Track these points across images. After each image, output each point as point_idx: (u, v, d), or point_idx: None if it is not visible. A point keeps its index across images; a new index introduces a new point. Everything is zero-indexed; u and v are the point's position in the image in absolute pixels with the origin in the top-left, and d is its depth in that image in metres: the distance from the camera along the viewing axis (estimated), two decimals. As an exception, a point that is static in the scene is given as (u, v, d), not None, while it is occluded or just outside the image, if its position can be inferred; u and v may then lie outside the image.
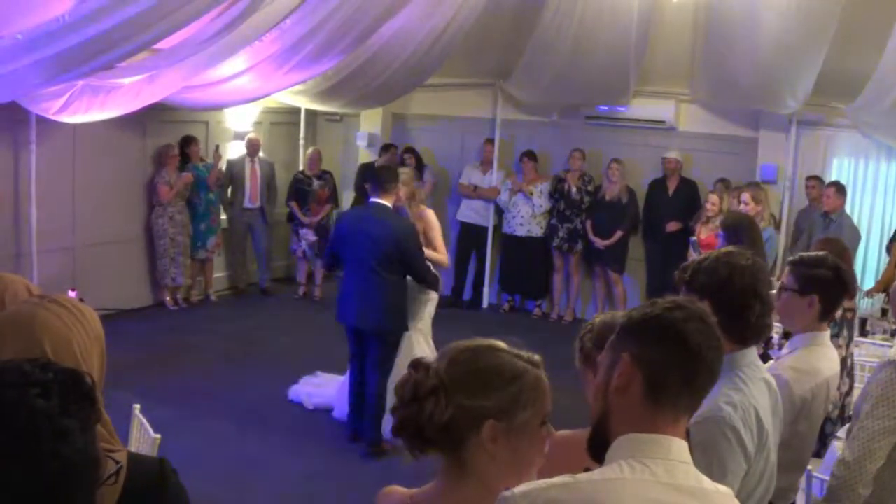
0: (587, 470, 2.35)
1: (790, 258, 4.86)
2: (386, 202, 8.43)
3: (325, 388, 9.78)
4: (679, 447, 2.35)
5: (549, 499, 2.22)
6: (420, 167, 14.45)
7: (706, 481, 2.39)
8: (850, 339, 6.94)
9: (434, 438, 2.49)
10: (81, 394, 1.99)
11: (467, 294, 14.90)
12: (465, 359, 2.58)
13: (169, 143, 12.86)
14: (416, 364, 2.59)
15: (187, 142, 13.18)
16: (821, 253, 4.82)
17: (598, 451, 2.44)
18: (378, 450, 8.51)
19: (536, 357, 2.64)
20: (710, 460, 3.22)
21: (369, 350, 8.57)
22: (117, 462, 2.08)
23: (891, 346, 6.99)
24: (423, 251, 8.51)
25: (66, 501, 1.91)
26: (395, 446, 8.28)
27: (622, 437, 2.36)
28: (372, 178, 8.82)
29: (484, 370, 2.56)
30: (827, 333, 4.55)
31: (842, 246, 7.20)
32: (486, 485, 2.47)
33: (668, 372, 2.37)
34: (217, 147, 13.67)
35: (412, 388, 2.51)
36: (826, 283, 4.41)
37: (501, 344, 2.65)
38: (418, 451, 2.53)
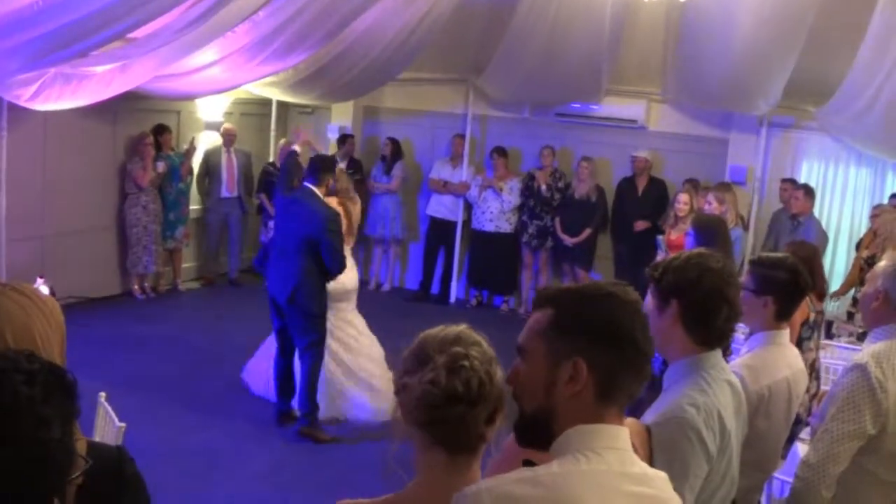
0: (528, 463, 2.36)
1: (751, 258, 4.90)
2: (317, 190, 8.74)
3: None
4: (625, 436, 2.38)
5: (515, 496, 2.22)
6: (393, 160, 14.52)
7: (646, 467, 2.42)
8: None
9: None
10: (63, 387, 2.02)
11: (435, 288, 14.94)
12: (474, 338, 2.73)
13: (143, 131, 12.83)
14: (459, 355, 2.66)
15: (160, 130, 13.16)
16: (781, 255, 4.86)
17: (536, 441, 2.45)
18: (310, 431, 8.81)
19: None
20: (671, 461, 3.21)
21: (293, 330, 8.83)
22: (87, 461, 2.09)
23: (857, 349, 7.05)
24: (340, 240, 8.76)
25: (40, 489, 1.93)
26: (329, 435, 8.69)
27: (572, 429, 2.35)
28: (311, 165, 9.01)
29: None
30: (785, 332, 4.57)
31: (812, 249, 7.25)
32: None
33: (621, 373, 2.37)
34: (193, 139, 13.69)
35: (478, 374, 2.64)
36: (781, 285, 4.45)
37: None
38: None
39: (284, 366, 9.01)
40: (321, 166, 8.92)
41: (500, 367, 2.70)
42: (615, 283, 2.52)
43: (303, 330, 8.75)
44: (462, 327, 2.76)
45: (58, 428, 1.94)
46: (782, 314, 4.50)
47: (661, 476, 2.45)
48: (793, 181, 12.16)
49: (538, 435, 2.43)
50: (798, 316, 6.19)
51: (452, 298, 14.89)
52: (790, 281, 4.46)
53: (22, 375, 1.95)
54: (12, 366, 1.97)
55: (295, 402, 9.02)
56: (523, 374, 2.48)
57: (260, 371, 9.64)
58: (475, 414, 2.63)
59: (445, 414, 2.61)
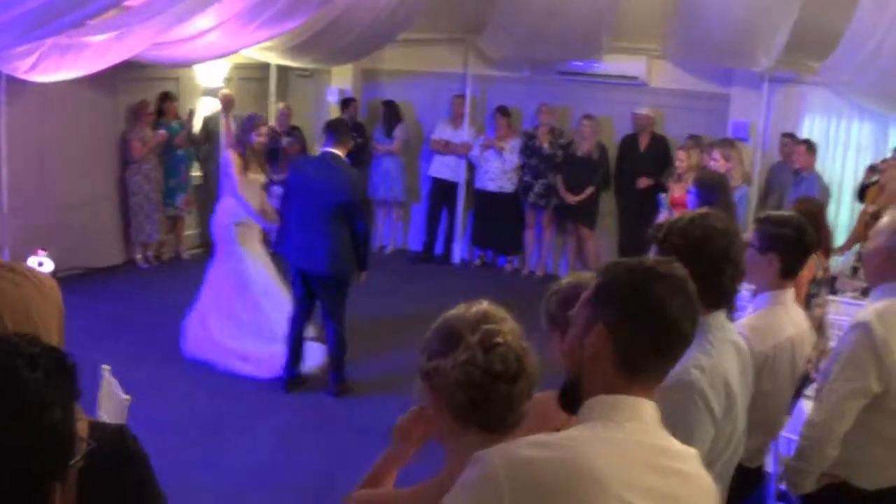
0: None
1: (757, 215, 4.88)
2: (339, 152, 8.80)
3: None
4: (650, 408, 2.39)
5: (525, 458, 2.22)
6: (394, 123, 14.50)
7: (675, 442, 2.43)
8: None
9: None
10: (64, 371, 2.01)
11: (439, 249, 14.93)
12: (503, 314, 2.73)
13: (143, 99, 12.78)
14: (493, 332, 2.63)
15: (164, 98, 13.17)
16: (788, 213, 4.85)
17: (570, 405, 2.48)
18: (346, 388, 9.08)
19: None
20: (677, 424, 3.18)
21: (320, 297, 8.94)
22: (89, 443, 2.08)
23: (861, 305, 7.04)
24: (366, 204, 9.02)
25: (42, 474, 1.92)
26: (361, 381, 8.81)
27: (594, 398, 2.38)
28: (327, 129, 9.08)
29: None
30: (790, 291, 4.57)
31: (818, 205, 7.25)
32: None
33: (642, 345, 2.38)
34: (191, 110, 13.69)
35: (515, 353, 2.63)
36: (787, 242, 4.44)
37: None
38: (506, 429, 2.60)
39: (299, 333, 9.08)
40: (339, 128, 9.03)
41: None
42: (662, 259, 2.53)
43: (337, 296, 8.93)
44: (486, 304, 2.74)
45: (59, 411, 1.93)
46: (787, 272, 4.49)
47: (691, 452, 2.47)
48: (793, 136, 12.14)
49: (572, 400, 2.47)
50: (806, 273, 6.19)
51: (456, 259, 14.88)
52: (796, 239, 4.45)
53: (23, 359, 1.93)
54: (14, 349, 1.95)
55: (307, 366, 9.26)
56: (567, 340, 2.52)
57: (208, 339, 9.56)
58: (518, 390, 2.62)
59: (488, 393, 2.58)
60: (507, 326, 2.66)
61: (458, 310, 2.73)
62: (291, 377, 9.10)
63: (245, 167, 9.41)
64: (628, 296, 2.41)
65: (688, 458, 2.44)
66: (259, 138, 9.63)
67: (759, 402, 3.93)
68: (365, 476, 2.92)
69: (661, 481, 2.30)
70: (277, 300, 9.59)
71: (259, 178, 9.60)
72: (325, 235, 8.60)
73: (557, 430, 2.40)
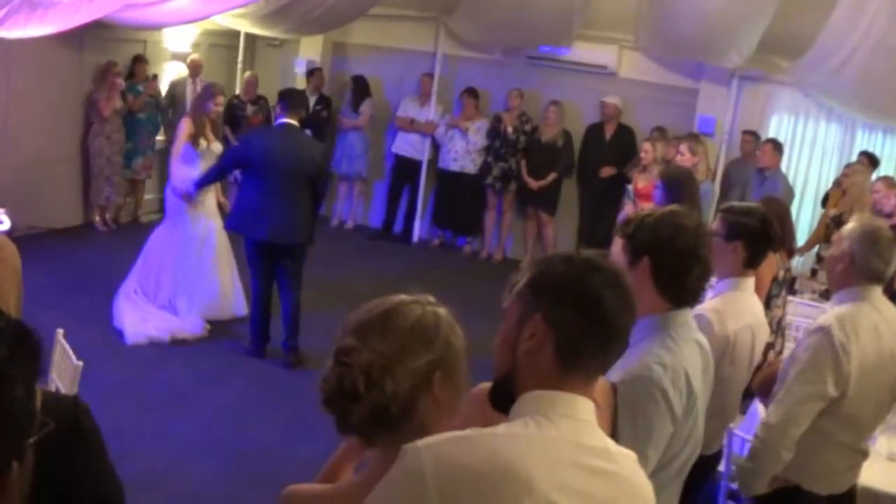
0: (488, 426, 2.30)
1: (722, 205, 4.96)
2: (294, 122, 8.87)
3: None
4: (586, 406, 2.31)
5: (453, 453, 2.16)
6: (361, 97, 14.42)
7: (610, 442, 2.36)
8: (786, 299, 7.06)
9: (400, 414, 2.41)
10: (28, 346, 1.97)
11: (398, 227, 14.90)
12: (392, 323, 2.49)
13: (110, 59, 12.65)
14: (345, 350, 2.46)
15: (136, 60, 13.17)
16: (752, 203, 4.95)
17: (501, 402, 2.41)
18: (299, 358, 9.06)
19: (431, 297, 2.61)
20: (636, 419, 3.22)
21: (283, 266, 8.97)
22: (48, 422, 2.04)
23: (819, 307, 7.10)
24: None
25: (2, 451, 1.88)
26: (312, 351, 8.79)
27: (529, 394, 2.31)
28: (282, 98, 9.12)
29: (413, 327, 2.49)
30: (751, 280, 4.67)
31: (783, 206, 7.31)
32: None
33: (582, 338, 2.30)
34: (155, 75, 13.59)
35: (362, 374, 2.40)
36: (751, 232, 4.56)
37: (402, 296, 2.59)
38: (384, 435, 2.45)
39: (267, 307, 9.14)
40: (293, 100, 9.09)
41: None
42: (598, 252, 2.49)
43: (298, 265, 9.02)
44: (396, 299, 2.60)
45: (21, 388, 1.90)
46: (751, 261, 4.61)
47: (627, 454, 2.38)
48: (755, 133, 12.22)
49: (504, 398, 2.39)
50: (767, 273, 6.24)
51: (415, 238, 14.83)
52: (760, 229, 4.59)
53: None
54: None
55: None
56: (499, 335, 2.45)
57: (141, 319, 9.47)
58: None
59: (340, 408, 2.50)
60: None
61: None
62: (260, 348, 9.20)
63: (198, 135, 9.43)
64: (566, 285, 2.35)
65: (624, 459, 2.36)
66: (215, 108, 9.69)
67: (717, 388, 3.94)
68: (320, 471, 2.88)
69: (594, 483, 2.23)
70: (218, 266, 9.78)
71: (216, 147, 9.59)
72: (295, 208, 8.66)
73: (489, 424, 2.34)
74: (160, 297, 9.60)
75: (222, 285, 9.79)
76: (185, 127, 9.47)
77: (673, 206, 3.84)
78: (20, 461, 1.94)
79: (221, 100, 9.86)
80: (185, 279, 9.61)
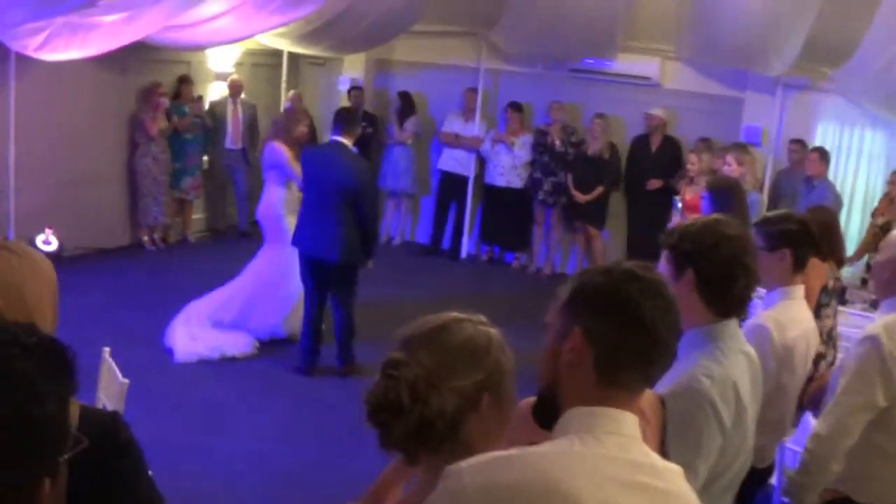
0: (533, 444, 2.27)
1: (753, 221, 4.92)
2: (346, 141, 8.89)
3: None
4: (631, 422, 2.26)
5: (497, 474, 2.13)
6: (406, 114, 14.47)
7: (657, 458, 2.31)
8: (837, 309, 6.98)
9: (445, 432, 2.39)
10: (61, 363, 1.96)
11: (446, 243, 14.88)
12: (441, 339, 2.47)
13: (155, 80, 12.77)
14: (393, 363, 2.44)
15: (182, 81, 13.30)
16: (783, 211, 4.93)
17: (545, 419, 2.36)
18: (353, 369, 9.19)
19: (483, 317, 2.58)
20: (685, 432, 3.16)
21: (330, 284, 9.09)
22: (82, 439, 2.03)
23: (870, 317, 6.99)
24: (375, 190, 9.23)
25: (31, 467, 1.87)
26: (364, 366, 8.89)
27: (573, 410, 2.27)
28: (336, 118, 9.18)
29: (462, 345, 2.46)
30: (801, 288, 4.62)
31: (830, 215, 7.22)
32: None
33: (621, 349, 2.26)
34: (200, 96, 13.68)
35: (408, 387, 2.38)
36: (794, 236, 4.54)
37: (455, 313, 2.56)
38: (427, 454, 2.43)
39: (316, 324, 9.25)
40: (348, 118, 9.15)
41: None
42: (640, 263, 2.44)
43: (346, 283, 9.08)
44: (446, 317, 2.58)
45: (52, 405, 1.88)
46: (799, 265, 4.56)
47: (674, 469, 2.33)
48: (802, 142, 12.08)
49: (549, 414, 2.35)
50: (817, 282, 6.18)
51: (463, 253, 14.82)
52: (801, 231, 4.57)
53: (18, 349, 1.88)
54: (11, 339, 1.91)
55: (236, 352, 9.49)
56: (543, 350, 2.41)
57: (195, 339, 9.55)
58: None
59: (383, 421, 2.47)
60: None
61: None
62: (311, 365, 9.28)
63: (291, 158, 9.63)
64: (603, 297, 2.31)
65: (671, 475, 2.31)
66: (303, 129, 9.94)
67: (775, 398, 3.89)
68: (367, 491, 2.85)
69: (641, 500, 2.18)
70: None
71: (299, 169, 9.63)
72: (335, 224, 8.71)
73: (533, 440, 2.30)
74: (225, 318, 9.69)
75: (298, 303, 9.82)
76: (285, 152, 9.65)
77: (717, 215, 3.79)
78: (52, 477, 1.92)
79: (307, 121, 9.97)
80: (280, 299, 9.85)
